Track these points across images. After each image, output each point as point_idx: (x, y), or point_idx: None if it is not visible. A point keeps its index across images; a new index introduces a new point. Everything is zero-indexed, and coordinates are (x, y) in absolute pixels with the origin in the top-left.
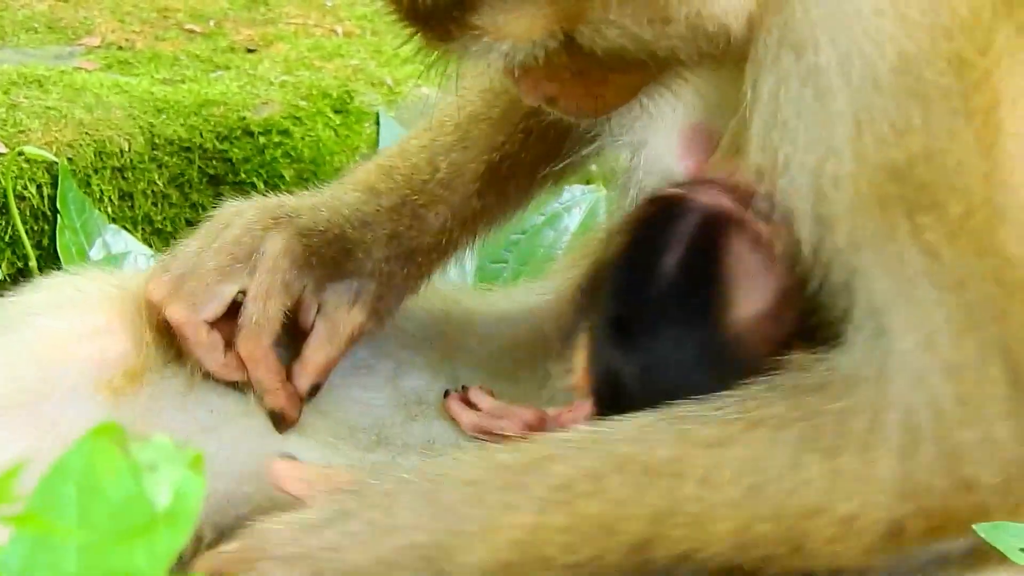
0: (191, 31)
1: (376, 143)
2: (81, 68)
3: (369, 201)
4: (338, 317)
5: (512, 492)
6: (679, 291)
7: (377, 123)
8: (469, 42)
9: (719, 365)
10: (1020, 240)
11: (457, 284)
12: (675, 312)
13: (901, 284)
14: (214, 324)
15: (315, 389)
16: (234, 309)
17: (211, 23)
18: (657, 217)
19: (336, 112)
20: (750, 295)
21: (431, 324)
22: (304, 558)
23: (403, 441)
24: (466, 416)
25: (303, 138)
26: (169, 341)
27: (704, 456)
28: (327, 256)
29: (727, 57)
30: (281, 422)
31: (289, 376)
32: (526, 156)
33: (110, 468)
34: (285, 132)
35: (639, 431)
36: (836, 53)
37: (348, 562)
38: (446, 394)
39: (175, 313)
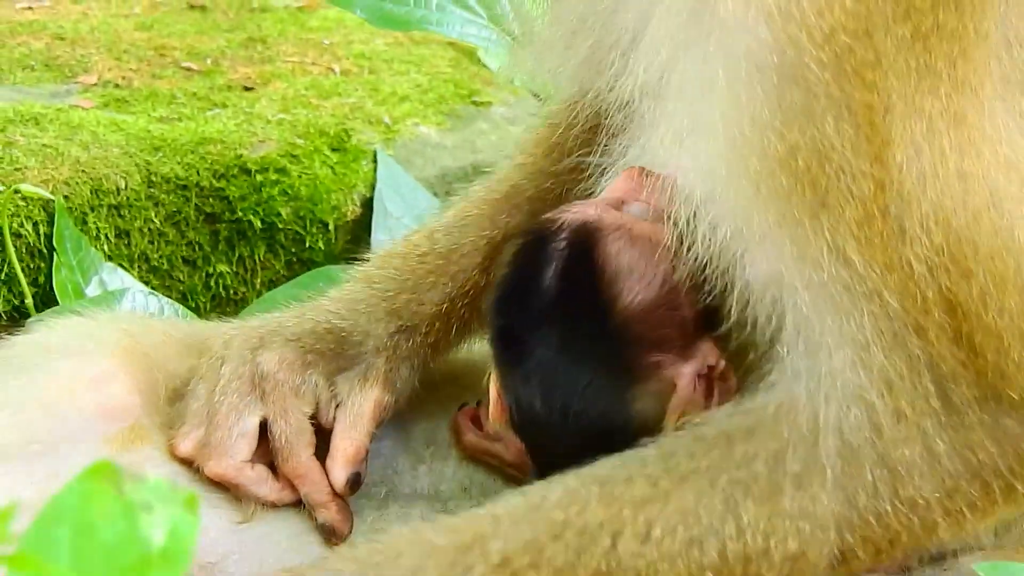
0: (188, 69)
1: (373, 181)
2: (78, 106)
3: (362, 289)
4: (355, 401)
5: (452, 575)
6: (555, 301)
7: (375, 161)
8: None
9: (615, 367)
10: (921, 259)
11: None
12: (556, 322)
13: (825, 294)
14: (253, 457)
15: (356, 479)
16: (265, 434)
17: (208, 61)
18: (530, 240)
19: (333, 150)
20: (633, 290)
21: (438, 369)
22: None
23: (411, 488)
24: (467, 434)
25: (300, 176)
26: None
27: (638, 514)
28: (324, 351)
29: None
30: (332, 535)
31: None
32: None
33: (104, 508)
34: (282, 170)
35: (568, 496)
36: (707, 19)
37: None
38: (461, 407)
39: (214, 468)
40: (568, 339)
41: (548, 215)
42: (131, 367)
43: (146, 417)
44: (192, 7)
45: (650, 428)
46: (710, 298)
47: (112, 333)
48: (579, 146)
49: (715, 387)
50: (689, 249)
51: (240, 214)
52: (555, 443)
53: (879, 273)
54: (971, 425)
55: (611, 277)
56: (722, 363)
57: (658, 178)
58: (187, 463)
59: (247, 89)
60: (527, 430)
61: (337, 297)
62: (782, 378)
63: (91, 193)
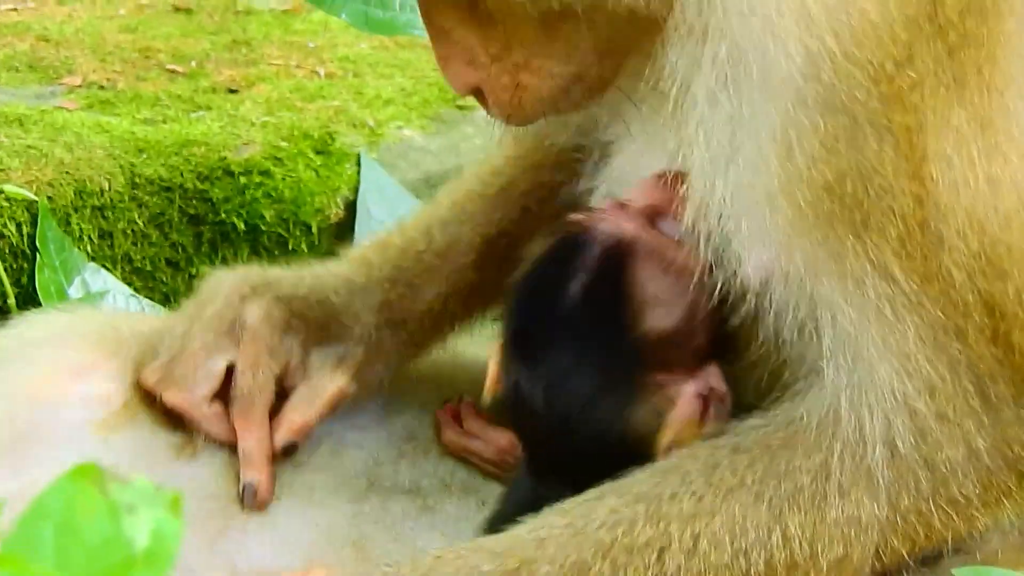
0: (173, 71)
1: (357, 184)
2: (62, 107)
3: (359, 271)
4: (320, 380)
5: None
6: (576, 313)
7: (358, 164)
8: None
9: (622, 383)
10: (960, 266)
11: None
12: (574, 333)
13: (868, 309)
14: (215, 396)
15: (291, 448)
16: (230, 379)
17: (193, 63)
18: (560, 245)
19: (317, 153)
20: (654, 319)
21: (420, 364)
22: None
23: (392, 482)
24: (447, 431)
25: (284, 179)
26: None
27: (685, 530)
28: (310, 320)
29: (643, 35)
30: (252, 498)
31: None
32: (524, 234)
33: (88, 509)
34: (266, 173)
35: (614, 516)
36: (739, 48)
37: None
38: (445, 402)
39: (172, 397)
40: (583, 354)
41: (581, 217)
42: (114, 358)
43: (129, 403)
44: (177, 9)
45: (645, 442)
46: (740, 322)
47: (92, 324)
48: (574, 143)
49: (711, 408)
50: (718, 272)
51: (224, 216)
52: (547, 440)
53: (919, 284)
54: (1008, 421)
55: (637, 304)
56: (723, 387)
57: (683, 184)
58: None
59: (231, 91)
60: (520, 420)
61: (335, 272)
62: (822, 392)
63: (75, 194)
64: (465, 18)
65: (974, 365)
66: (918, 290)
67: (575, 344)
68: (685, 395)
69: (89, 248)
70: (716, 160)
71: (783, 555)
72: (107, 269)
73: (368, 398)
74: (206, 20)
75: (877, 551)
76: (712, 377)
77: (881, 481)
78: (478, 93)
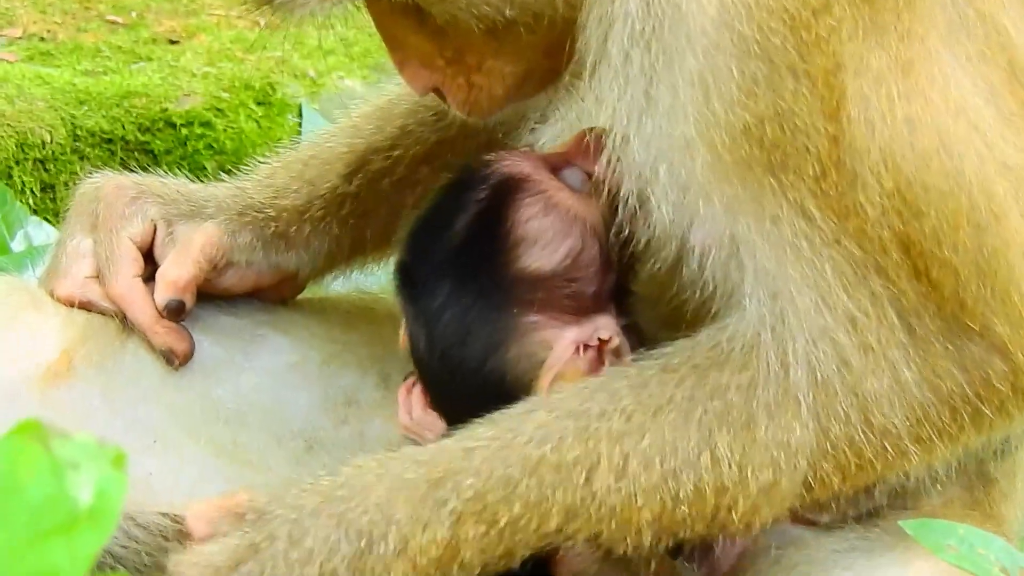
0: (113, 22)
1: (299, 135)
2: (2, 59)
3: (228, 184)
4: (186, 236)
5: (424, 509)
6: (458, 246)
7: (300, 115)
8: None
9: (496, 320)
10: (874, 203)
11: (382, 287)
12: (453, 267)
13: (784, 246)
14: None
15: (177, 306)
16: None
17: (133, 14)
18: (459, 180)
19: (259, 104)
20: (531, 256)
21: (357, 321)
22: None
23: (333, 443)
24: (401, 415)
25: (225, 130)
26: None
27: (614, 448)
28: (165, 195)
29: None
30: (173, 358)
31: None
32: (403, 154)
33: (31, 466)
34: (207, 124)
35: (542, 431)
36: (650, 1)
37: None
38: (407, 376)
39: (59, 290)
40: (460, 289)
41: (484, 157)
42: (49, 320)
43: (67, 349)
44: None
45: (525, 387)
46: (661, 265)
47: (28, 291)
48: None
49: (605, 360)
50: (644, 220)
51: (166, 168)
52: (440, 385)
53: (836, 221)
54: (938, 354)
55: (515, 240)
56: (616, 340)
57: (605, 145)
58: None
59: (172, 42)
60: (419, 367)
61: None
62: (744, 324)
63: (16, 147)
64: (417, 29)
65: (896, 300)
66: (835, 227)
67: (453, 278)
68: (563, 340)
69: (31, 201)
70: (631, 112)
71: (712, 478)
72: (49, 222)
73: (245, 271)
74: None
75: (807, 480)
76: (603, 328)
77: (803, 402)
78: (437, 92)
